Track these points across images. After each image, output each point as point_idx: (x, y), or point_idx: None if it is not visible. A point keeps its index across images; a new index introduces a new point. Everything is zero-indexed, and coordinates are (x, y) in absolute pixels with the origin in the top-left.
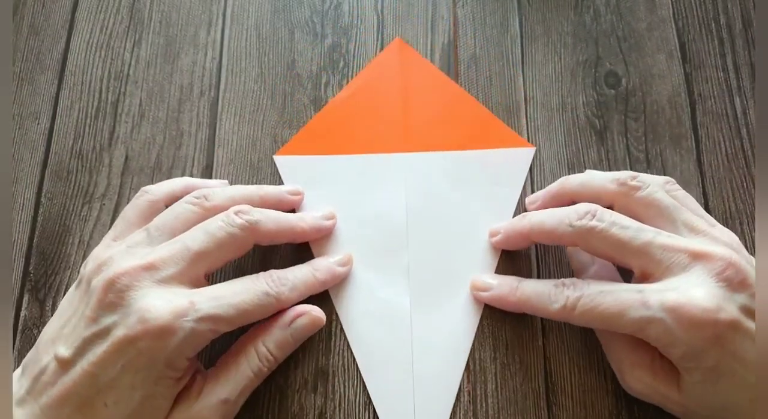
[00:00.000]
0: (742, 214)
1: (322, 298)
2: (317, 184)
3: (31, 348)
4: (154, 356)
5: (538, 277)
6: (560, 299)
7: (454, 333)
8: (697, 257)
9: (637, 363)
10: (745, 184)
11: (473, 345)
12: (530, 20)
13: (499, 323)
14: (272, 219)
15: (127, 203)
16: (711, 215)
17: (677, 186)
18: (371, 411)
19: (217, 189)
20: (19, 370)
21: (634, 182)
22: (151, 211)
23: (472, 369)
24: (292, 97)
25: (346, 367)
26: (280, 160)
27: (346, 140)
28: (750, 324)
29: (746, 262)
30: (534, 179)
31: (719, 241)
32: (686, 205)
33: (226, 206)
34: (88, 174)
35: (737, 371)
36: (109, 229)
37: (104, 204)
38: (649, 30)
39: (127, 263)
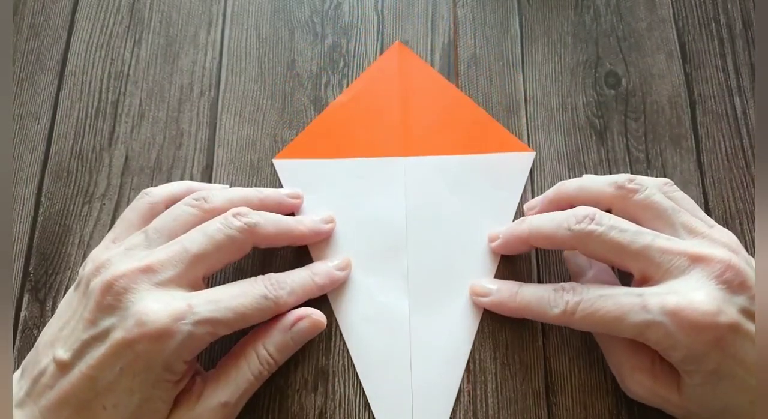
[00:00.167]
0: (742, 214)
1: (321, 302)
2: (316, 188)
3: (31, 348)
4: (152, 359)
5: (539, 281)
6: (560, 304)
7: (454, 337)
8: (696, 259)
9: (638, 366)
10: (745, 184)
11: (473, 345)
12: (530, 20)
13: (498, 323)
14: (271, 222)
15: (127, 203)
16: (711, 215)
17: (675, 188)
18: (371, 411)
19: (216, 192)
20: (18, 372)
21: (631, 185)
22: (151, 213)
23: (472, 369)
24: (292, 97)
25: (346, 367)
26: (279, 163)
27: (346, 144)
28: (750, 326)
29: (746, 264)
30: (534, 179)
31: (718, 243)
32: (684, 207)
33: (225, 208)
34: (88, 174)
35: (738, 373)
36: (109, 230)
37: (104, 204)
38: (649, 30)
39: (125, 265)
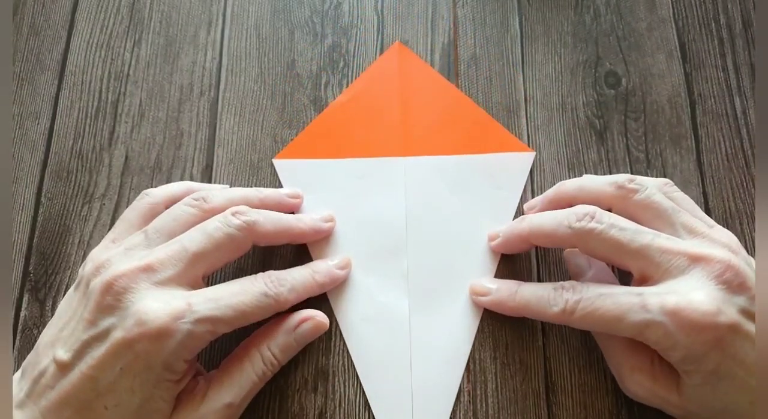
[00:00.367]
0: (742, 214)
1: (321, 302)
2: (316, 188)
3: (31, 348)
4: (152, 359)
5: (539, 280)
6: (559, 303)
7: (454, 336)
8: (696, 259)
9: (637, 366)
10: (745, 184)
11: (473, 345)
12: (530, 20)
13: (498, 323)
14: (270, 220)
15: (127, 203)
16: (711, 215)
17: (675, 188)
18: (371, 411)
19: (216, 192)
20: (18, 372)
21: (631, 185)
22: (152, 214)
23: (472, 369)
24: (292, 97)
25: (346, 367)
26: (279, 163)
27: (346, 144)
28: (750, 327)
29: (746, 264)
30: (534, 179)
31: (718, 243)
32: (684, 207)
33: (225, 208)
34: (88, 174)
35: (737, 374)
36: (109, 230)
37: (104, 204)
38: (649, 30)
39: (125, 265)
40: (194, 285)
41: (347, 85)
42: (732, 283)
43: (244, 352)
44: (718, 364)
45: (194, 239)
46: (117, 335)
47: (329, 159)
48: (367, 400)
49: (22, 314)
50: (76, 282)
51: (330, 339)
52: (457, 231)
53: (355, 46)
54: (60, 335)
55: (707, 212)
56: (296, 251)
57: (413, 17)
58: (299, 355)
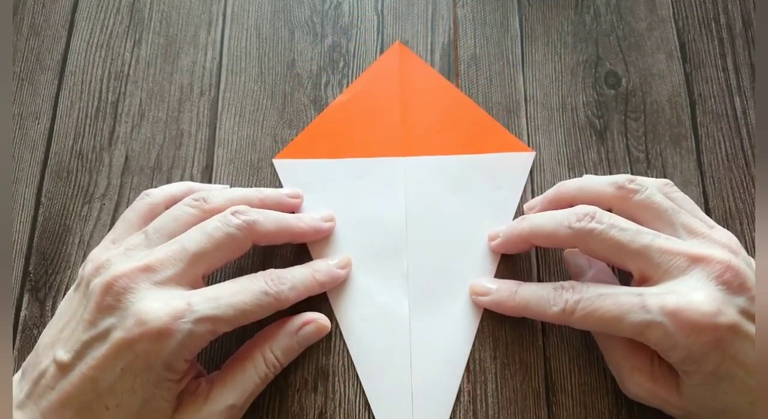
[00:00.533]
0: (742, 214)
1: (322, 302)
2: (316, 188)
3: (31, 348)
4: (152, 359)
5: (539, 280)
6: (559, 303)
7: (454, 337)
8: (695, 260)
9: (637, 367)
10: (745, 184)
11: (473, 345)
12: (530, 20)
13: (499, 323)
14: (270, 219)
15: (127, 203)
16: (711, 215)
17: (675, 188)
18: (371, 411)
19: (216, 192)
20: (19, 373)
21: (631, 186)
22: (152, 214)
23: (472, 369)
24: (292, 97)
25: (346, 367)
26: (279, 163)
27: (346, 144)
28: (749, 327)
29: (746, 265)
30: (534, 179)
31: (718, 243)
32: (684, 207)
33: (225, 208)
34: (88, 174)
35: (737, 374)
36: (109, 230)
37: (104, 204)
38: (649, 30)
39: (125, 265)
40: (194, 285)
41: (347, 85)
42: (732, 284)
43: (247, 354)
44: (717, 365)
45: (194, 239)
46: (117, 335)
47: (329, 159)
48: (367, 400)
49: (22, 314)
50: (76, 283)
51: (330, 339)
52: (457, 231)
53: (355, 46)
54: (60, 335)
55: (707, 212)
56: (296, 251)
57: (413, 17)
58: (299, 355)
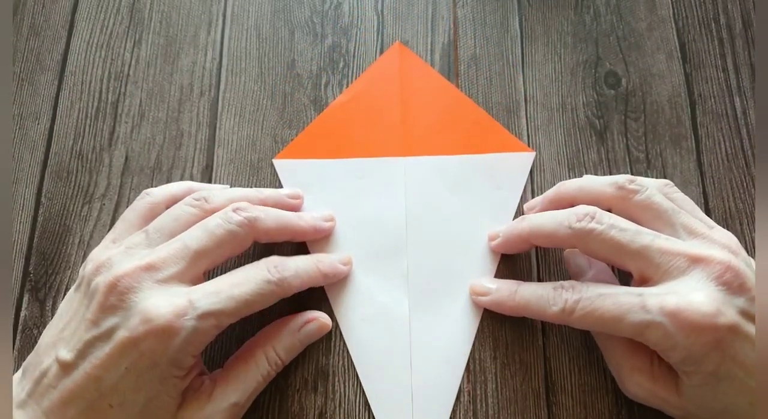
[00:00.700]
0: (742, 214)
1: (322, 302)
2: (316, 188)
3: (31, 348)
4: (157, 357)
5: (539, 280)
6: (559, 302)
7: (454, 337)
8: (695, 260)
9: (636, 367)
10: (745, 184)
11: (473, 345)
12: (530, 20)
13: (499, 323)
14: (271, 216)
15: (127, 203)
16: (711, 215)
17: (675, 189)
18: (371, 411)
19: (217, 192)
20: (19, 373)
21: (631, 186)
22: (152, 214)
23: (472, 369)
24: (292, 98)
25: (346, 367)
26: (279, 163)
27: (346, 144)
28: (749, 328)
29: (745, 265)
30: (534, 179)
31: (718, 244)
32: (684, 207)
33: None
34: (88, 174)
35: (737, 375)
36: (109, 230)
37: (104, 204)
38: (649, 30)
39: (127, 265)
40: (196, 282)
41: (347, 86)
42: (732, 284)
43: (249, 353)
44: (717, 365)
45: (195, 236)
46: (121, 334)
47: (329, 159)
48: (367, 400)
49: (22, 314)
50: (76, 283)
51: (330, 339)
52: (457, 231)
53: (355, 46)
54: (61, 335)
55: (707, 212)
56: (296, 251)
57: (413, 17)
58: (299, 355)
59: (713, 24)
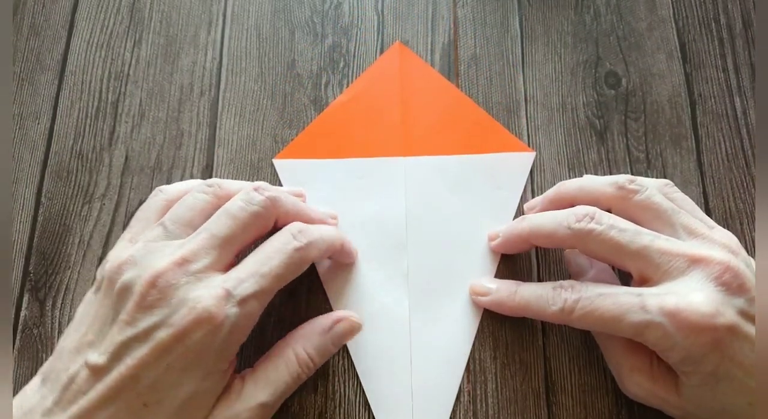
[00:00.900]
0: (742, 214)
1: (321, 302)
2: (316, 188)
3: (31, 348)
4: (204, 350)
5: (539, 280)
6: (558, 302)
7: (454, 337)
8: (695, 261)
9: (636, 367)
10: (745, 184)
11: (473, 345)
12: (530, 20)
13: (499, 323)
14: (290, 199)
15: (128, 203)
16: (711, 215)
17: (675, 189)
18: (371, 411)
19: (229, 180)
20: (37, 381)
21: (631, 186)
22: (166, 211)
23: (472, 369)
24: (292, 97)
25: (346, 367)
26: (279, 163)
27: (346, 144)
28: (748, 329)
29: (745, 265)
30: (534, 179)
31: (718, 244)
32: (684, 207)
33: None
34: (88, 174)
35: (736, 375)
36: (109, 230)
37: (104, 204)
38: (650, 30)
39: (160, 262)
40: (229, 268)
41: (347, 85)
42: (731, 285)
43: (279, 353)
44: (716, 365)
45: (221, 223)
46: (163, 333)
47: (329, 159)
48: (367, 400)
49: (22, 314)
50: (95, 286)
51: None
52: (457, 231)
53: (355, 46)
54: (85, 339)
55: (707, 212)
56: None
57: (413, 17)
58: None
59: (713, 24)
